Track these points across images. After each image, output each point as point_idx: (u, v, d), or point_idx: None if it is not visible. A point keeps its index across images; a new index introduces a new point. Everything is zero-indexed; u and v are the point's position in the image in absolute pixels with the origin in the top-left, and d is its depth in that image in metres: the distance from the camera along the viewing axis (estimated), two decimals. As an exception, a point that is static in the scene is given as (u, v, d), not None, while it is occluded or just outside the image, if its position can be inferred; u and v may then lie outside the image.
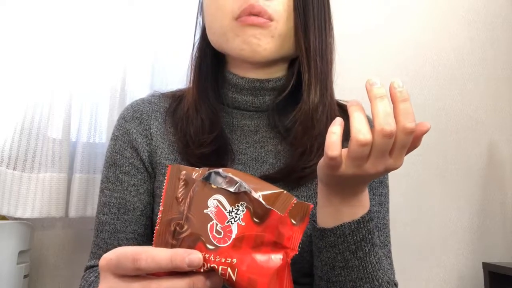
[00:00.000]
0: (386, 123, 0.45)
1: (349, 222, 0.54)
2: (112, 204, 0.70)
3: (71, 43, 0.99)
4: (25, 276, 0.93)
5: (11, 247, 0.88)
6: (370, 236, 0.55)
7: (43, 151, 0.96)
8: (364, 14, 1.39)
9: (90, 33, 1.02)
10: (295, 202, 0.41)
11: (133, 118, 0.73)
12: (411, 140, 0.47)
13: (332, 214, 0.55)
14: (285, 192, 0.42)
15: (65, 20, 0.99)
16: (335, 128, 0.47)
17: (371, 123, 0.47)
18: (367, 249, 0.55)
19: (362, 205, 0.54)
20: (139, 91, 1.06)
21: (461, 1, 1.49)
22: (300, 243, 0.58)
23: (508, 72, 1.51)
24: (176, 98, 0.75)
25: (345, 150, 0.48)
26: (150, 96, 0.78)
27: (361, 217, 0.54)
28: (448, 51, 1.46)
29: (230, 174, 0.42)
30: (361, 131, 0.45)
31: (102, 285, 0.42)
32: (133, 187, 0.71)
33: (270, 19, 0.64)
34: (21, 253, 0.90)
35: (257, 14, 0.63)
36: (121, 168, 0.71)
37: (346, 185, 0.52)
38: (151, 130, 0.72)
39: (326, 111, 0.67)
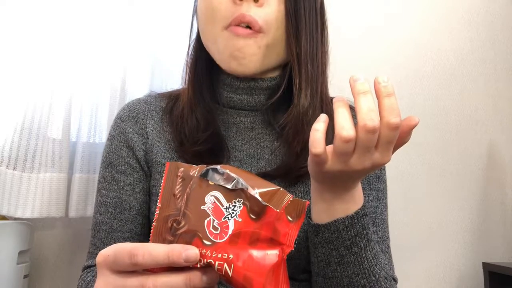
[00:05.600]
0: (368, 118, 0.45)
1: (343, 218, 0.54)
2: (108, 203, 0.71)
3: (71, 43, 0.99)
4: (25, 276, 0.93)
5: (11, 247, 0.88)
6: (365, 231, 0.55)
7: (43, 151, 0.96)
8: (364, 14, 1.39)
9: (90, 33, 1.02)
10: (292, 199, 0.41)
11: (129, 118, 0.74)
12: (397, 135, 0.47)
13: (325, 210, 0.55)
14: (281, 189, 0.42)
15: (65, 20, 0.99)
16: (319, 125, 0.47)
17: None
18: (362, 245, 0.55)
19: (355, 200, 0.55)
20: (139, 91, 1.06)
21: (461, 1, 1.49)
22: (296, 239, 0.58)
23: (508, 72, 1.51)
24: (172, 97, 0.76)
25: (330, 147, 0.49)
26: (146, 96, 0.79)
27: (355, 213, 0.54)
28: (448, 51, 1.46)
29: (227, 171, 0.42)
30: (344, 127, 0.46)
31: (99, 281, 0.42)
32: (129, 186, 0.71)
33: (260, 31, 0.65)
34: (21, 253, 0.90)
35: (247, 24, 0.64)
36: (117, 168, 0.72)
37: (336, 181, 0.52)
38: (147, 129, 0.73)
39: (317, 113, 0.67)
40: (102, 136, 1.05)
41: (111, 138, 0.75)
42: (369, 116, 0.45)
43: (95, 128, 1.05)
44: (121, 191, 0.71)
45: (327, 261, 0.57)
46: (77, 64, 1.01)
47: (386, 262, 0.68)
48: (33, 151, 0.95)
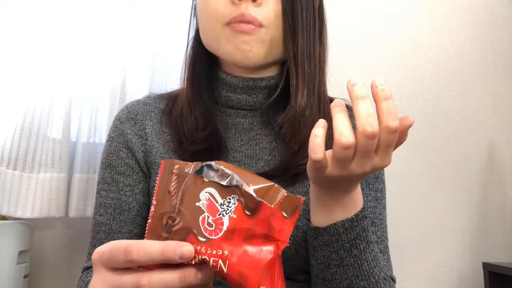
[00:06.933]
0: (368, 124, 0.45)
1: (342, 221, 0.54)
2: (108, 204, 0.71)
3: (71, 43, 1.00)
4: (25, 276, 0.93)
5: (11, 247, 0.88)
6: (364, 233, 0.55)
7: (43, 151, 0.96)
8: (364, 14, 1.39)
9: (90, 33, 1.02)
10: (286, 195, 0.42)
11: (128, 119, 0.74)
12: (396, 138, 0.47)
13: (325, 213, 0.55)
14: (276, 185, 0.42)
15: (65, 20, 1.00)
16: (318, 131, 0.47)
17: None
18: (361, 247, 0.55)
19: (355, 203, 0.55)
20: (139, 91, 1.06)
21: (461, 1, 1.49)
22: (295, 239, 0.58)
23: (508, 72, 1.51)
24: (171, 98, 0.76)
25: (330, 152, 0.49)
26: (145, 98, 0.79)
27: (355, 215, 0.54)
28: (448, 51, 1.46)
29: (222, 167, 0.42)
30: (343, 133, 0.45)
31: (94, 279, 0.42)
32: (129, 187, 0.71)
33: (261, 25, 0.65)
34: (21, 253, 0.90)
35: (247, 22, 0.64)
36: (117, 169, 0.72)
37: (335, 185, 0.52)
38: (146, 130, 0.73)
39: (314, 113, 0.68)
40: (102, 136, 1.05)
41: (110, 139, 0.75)
42: (368, 121, 0.45)
43: (95, 128, 1.05)
44: (121, 192, 0.71)
45: (327, 263, 0.57)
46: (77, 64, 1.01)
47: (385, 263, 0.68)
48: (33, 151, 0.95)
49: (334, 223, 0.54)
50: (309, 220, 0.58)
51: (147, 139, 0.73)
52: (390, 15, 1.41)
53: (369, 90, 0.46)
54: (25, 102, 0.94)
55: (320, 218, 0.56)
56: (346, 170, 0.48)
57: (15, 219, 0.93)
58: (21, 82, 0.95)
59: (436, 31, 1.45)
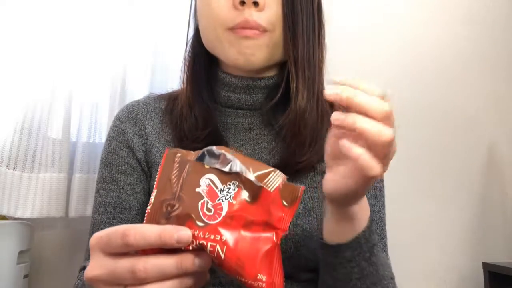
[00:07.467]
0: (382, 107, 0.43)
1: (363, 231, 0.52)
2: (108, 203, 0.70)
3: (71, 43, 1.00)
4: (25, 276, 0.93)
5: (11, 247, 0.88)
6: (375, 237, 0.55)
7: (43, 151, 0.96)
8: (364, 13, 1.39)
9: (90, 32, 1.02)
10: (286, 180, 0.42)
11: (128, 119, 0.74)
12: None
13: (345, 230, 0.53)
14: (276, 171, 0.42)
15: (65, 19, 1.00)
16: (358, 149, 0.43)
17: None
18: (375, 251, 0.55)
19: (366, 207, 0.53)
20: (139, 91, 1.06)
21: (461, 1, 1.49)
22: (290, 229, 0.56)
23: (508, 72, 1.51)
24: (172, 99, 0.76)
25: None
26: (145, 98, 0.79)
27: (370, 221, 0.53)
28: (448, 51, 1.46)
29: (223, 152, 0.42)
30: (383, 131, 0.42)
31: (91, 263, 0.42)
32: (129, 186, 0.71)
33: (265, 30, 0.65)
34: (21, 253, 0.90)
35: (251, 28, 0.64)
36: (117, 168, 0.71)
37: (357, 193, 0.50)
38: (146, 130, 0.73)
39: (313, 114, 0.68)
40: (102, 136, 1.05)
41: (110, 139, 0.74)
42: (381, 105, 0.43)
43: (95, 128, 1.05)
44: (121, 191, 0.71)
45: (348, 279, 0.55)
46: (77, 64, 1.01)
47: (387, 262, 0.68)
48: (33, 151, 0.95)
49: (356, 237, 0.52)
50: (321, 238, 0.56)
51: (147, 139, 0.73)
52: (390, 15, 1.42)
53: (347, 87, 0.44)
54: (25, 102, 0.94)
55: (338, 235, 0.53)
56: (387, 164, 0.45)
57: (15, 219, 0.93)
58: (21, 82, 0.95)
59: (436, 31, 1.46)
